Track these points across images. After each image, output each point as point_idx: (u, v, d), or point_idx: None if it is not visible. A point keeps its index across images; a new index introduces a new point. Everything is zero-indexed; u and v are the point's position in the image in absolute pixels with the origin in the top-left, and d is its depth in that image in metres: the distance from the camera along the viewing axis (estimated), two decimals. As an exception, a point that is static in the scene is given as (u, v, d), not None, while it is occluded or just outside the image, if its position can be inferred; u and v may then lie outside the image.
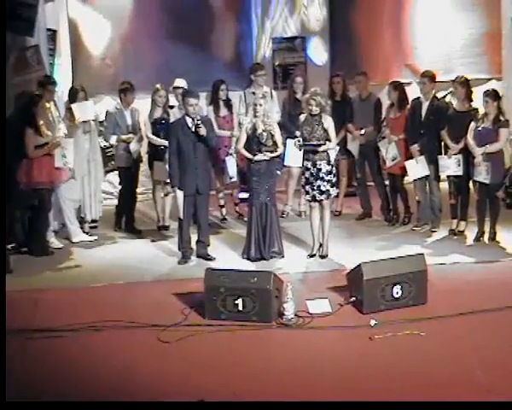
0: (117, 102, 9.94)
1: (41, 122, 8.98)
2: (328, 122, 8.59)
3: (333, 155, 8.79)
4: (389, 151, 9.56)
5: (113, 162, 10.13)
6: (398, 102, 9.57)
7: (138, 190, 10.32)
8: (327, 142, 8.55)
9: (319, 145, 8.50)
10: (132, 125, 9.82)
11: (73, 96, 9.65)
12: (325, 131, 8.56)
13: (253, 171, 8.73)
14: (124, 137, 9.73)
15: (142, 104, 10.12)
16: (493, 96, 8.80)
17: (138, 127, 9.83)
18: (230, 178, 10.00)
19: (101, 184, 10.13)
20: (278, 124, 9.70)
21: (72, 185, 9.59)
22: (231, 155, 9.94)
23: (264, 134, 8.66)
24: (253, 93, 9.87)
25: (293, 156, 9.34)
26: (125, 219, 10.07)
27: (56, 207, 9.62)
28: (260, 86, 10.21)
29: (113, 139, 9.80)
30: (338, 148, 9.07)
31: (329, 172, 8.60)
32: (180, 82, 10.13)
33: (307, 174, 8.63)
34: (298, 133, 8.75)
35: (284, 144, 9.77)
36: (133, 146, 9.74)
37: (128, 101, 9.82)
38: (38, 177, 8.96)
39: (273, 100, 10.26)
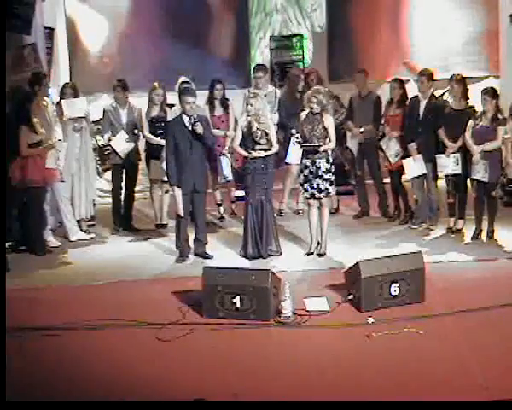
0: (113, 101, 9.93)
1: (35, 120, 8.97)
2: (329, 121, 8.58)
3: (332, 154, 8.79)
4: (391, 147, 9.54)
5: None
6: (399, 100, 9.57)
7: (136, 189, 10.31)
8: (327, 140, 8.55)
9: (319, 146, 8.49)
10: (128, 123, 9.79)
11: (61, 93, 9.65)
12: (325, 129, 8.55)
13: (248, 169, 8.72)
14: (113, 137, 9.72)
15: (139, 103, 10.11)
16: (492, 94, 8.79)
17: (136, 126, 9.80)
18: (224, 178, 9.99)
19: (94, 183, 10.06)
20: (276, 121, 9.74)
21: (67, 184, 9.60)
22: (225, 154, 9.92)
23: (259, 132, 8.65)
24: (249, 91, 9.83)
25: (295, 154, 9.35)
26: (123, 216, 10.05)
27: (54, 205, 9.61)
28: (263, 87, 10.12)
29: (106, 138, 9.79)
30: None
31: (328, 171, 8.60)
32: (185, 79, 10.11)
33: (306, 172, 8.63)
34: (294, 131, 8.74)
35: (288, 142, 9.78)
36: (118, 145, 9.68)
37: (119, 99, 9.80)
38: (32, 175, 8.95)
39: (276, 100, 10.23)
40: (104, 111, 9.86)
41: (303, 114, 8.70)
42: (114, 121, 9.76)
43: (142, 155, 10.08)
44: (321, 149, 8.50)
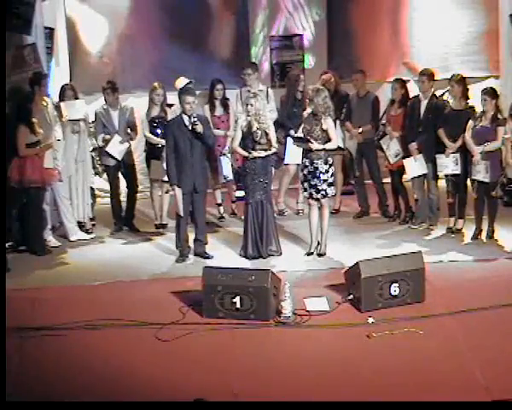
0: (104, 102, 9.93)
1: (34, 120, 8.97)
2: (328, 123, 8.55)
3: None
4: (391, 147, 9.54)
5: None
6: (400, 100, 9.56)
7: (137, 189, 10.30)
8: (328, 143, 8.54)
9: (308, 140, 8.46)
10: (120, 124, 9.78)
11: (61, 94, 9.66)
12: (324, 131, 8.54)
13: (248, 169, 8.72)
14: (107, 137, 9.72)
15: (139, 103, 10.11)
16: (491, 94, 8.78)
17: (130, 126, 9.80)
18: (225, 178, 10.00)
19: (90, 185, 10.04)
20: (277, 122, 9.74)
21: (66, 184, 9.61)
22: (225, 154, 9.93)
23: (259, 132, 8.65)
24: (249, 91, 9.84)
25: (293, 154, 9.37)
26: (126, 216, 10.06)
27: (54, 205, 9.61)
28: (252, 84, 10.15)
29: (100, 139, 9.79)
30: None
31: (326, 172, 8.59)
32: (186, 79, 10.11)
33: (305, 171, 8.64)
34: (292, 132, 8.79)
35: (285, 143, 9.78)
36: (110, 147, 9.68)
37: (110, 101, 9.79)
38: (31, 175, 8.95)
39: (269, 98, 10.24)
40: (96, 114, 9.85)
41: (305, 114, 8.72)
42: (106, 123, 9.76)
43: (140, 156, 10.10)
44: (313, 147, 8.48)
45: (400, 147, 9.48)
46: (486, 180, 8.80)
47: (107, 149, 9.68)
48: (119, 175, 9.99)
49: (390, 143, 9.57)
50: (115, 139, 9.67)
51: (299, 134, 8.70)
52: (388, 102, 9.81)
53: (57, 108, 9.57)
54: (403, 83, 9.71)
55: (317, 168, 8.55)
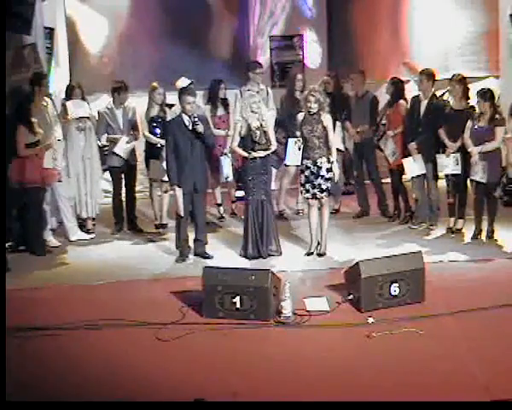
0: (108, 102, 9.92)
1: (33, 120, 8.97)
2: (327, 120, 8.56)
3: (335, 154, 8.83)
4: (388, 147, 9.57)
5: (110, 161, 10.14)
6: (390, 98, 9.60)
7: (136, 189, 10.29)
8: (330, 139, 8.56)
9: (329, 158, 8.49)
10: (125, 123, 9.79)
11: (69, 92, 9.69)
12: (325, 129, 8.55)
13: (248, 169, 8.73)
14: (112, 137, 9.72)
15: (139, 102, 10.12)
16: (483, 96, 8.71)
17: (133, 126, 9.81)
18: (226, 178, 10.00)
19: (99, 182, 10.09)
20: (276, 121, 9.75)
21: (69, 183, 9.61)
22: (226, 154, 9.93)
23: (258, 132, 8.66)
24: (249, 90, 9.85)
25: (293, 156, 9.38)
26: (128, 218, 10.07)
27: (54, 205, 9.62)
28: (257, 84, 10.24)
29: (104, 139, 9.80)
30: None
31: (329, 170, 8.60)
32: (187, 80, 10.13)
33: (307, 172, 8.63)
34: (298, 133, 8.82)
35: (285, 143, 9.79)
36: (118, 147, 9.69)
37: (121, 100, 9.80)
38: (31, 175, 8.96)
39: (269, 97, 10.28)
40: (99, 113, 9.85)
41: (300, 116, 8.68)
42: (111, 122, 9.76)
43: (140, 156, 10.09)
44: (333, 157, 8.47)
45: (394, 145, 9.50)
46: (484, 181, 8.80)
47: (116, 149, 9.68)
48: (122, 175, 9.99)
49: (386, 143, 9.60)
50: (123, 140, 9.68)
51: (301, 141, 8.72)
52: (387, 101, 9.82)
53: (63, 105, 9.59)
54: (393, 82, 9.69)
55: (320, 168, 8.55)
